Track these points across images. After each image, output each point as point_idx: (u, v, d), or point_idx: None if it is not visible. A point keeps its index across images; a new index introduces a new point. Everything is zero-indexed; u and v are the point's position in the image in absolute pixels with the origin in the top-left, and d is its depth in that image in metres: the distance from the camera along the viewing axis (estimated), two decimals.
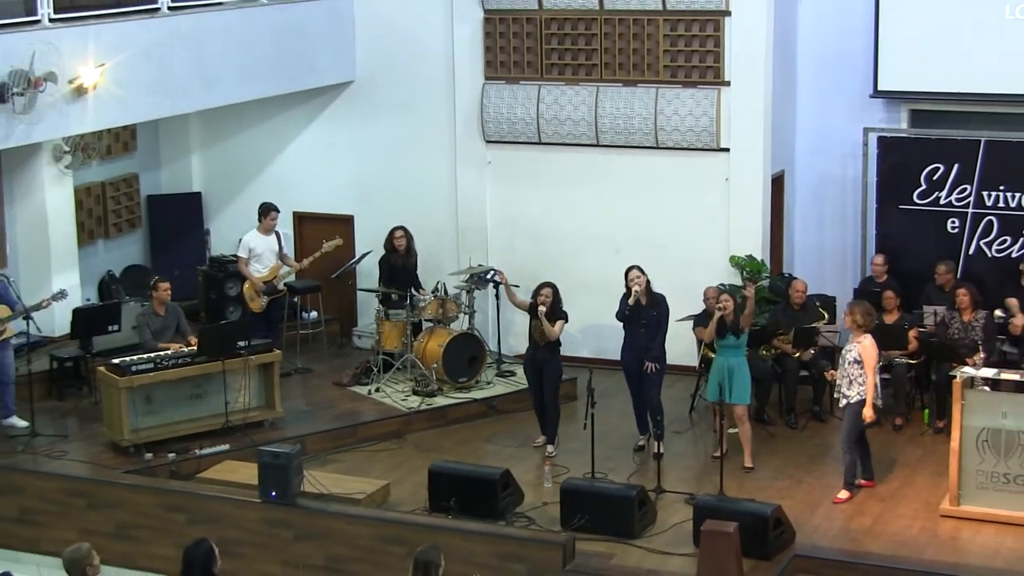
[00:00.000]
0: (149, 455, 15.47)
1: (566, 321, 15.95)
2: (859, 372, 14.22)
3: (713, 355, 16.05)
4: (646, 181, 18.59)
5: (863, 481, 14.72)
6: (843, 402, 14.35)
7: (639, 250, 18.00)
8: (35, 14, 15.59)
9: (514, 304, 16.50)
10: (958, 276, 17.39)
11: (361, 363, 18.41)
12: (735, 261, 18.00)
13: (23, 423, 16.12)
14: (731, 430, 15.40)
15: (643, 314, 15.62)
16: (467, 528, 13.59)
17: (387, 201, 19.72)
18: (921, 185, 17.88)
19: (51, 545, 14.45)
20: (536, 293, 15.85)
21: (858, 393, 14.25)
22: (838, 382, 14.49)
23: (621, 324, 15.84)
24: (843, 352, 14.46)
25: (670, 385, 16.42)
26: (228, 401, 15.99)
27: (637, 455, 15.80)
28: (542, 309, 15.64)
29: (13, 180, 18.50)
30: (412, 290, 18.15)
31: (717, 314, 15.08)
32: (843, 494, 14.52)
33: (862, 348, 14.26)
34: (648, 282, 15.64)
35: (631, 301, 15.52)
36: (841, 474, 14.66)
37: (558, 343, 15.93)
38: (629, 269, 15.65)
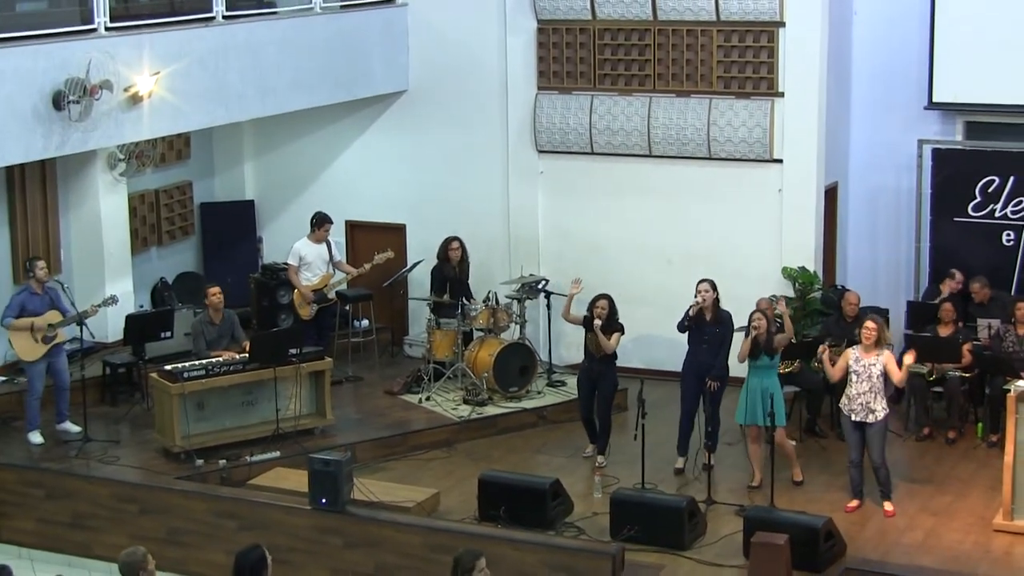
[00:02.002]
0: (200, 461, 15.53)
1: (622, 333, 15.87)
2: (882, 385, 14.15)
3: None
4: (699, 192, 18.56)
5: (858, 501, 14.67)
6: (871, 418, 14.20)
7: (691, 261, 17.99)
8: (91, 23, 15.73)
9: (569, 319, 16.35)
10: (1013, 290, 17.30)
11: (412, 372, 18.44)
12: (788, 273, 17.94)
13: (76, 428, 16.23)
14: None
15: (706, 330, 15.49)
16: (517, 537, 13.58)
17: (439, 211, 19.75)
18: (976, 197, 17.79)
19: (103, 550, 14.55)
20: (592, 305, 15.78)
21: (883, 407, 14.20)
22: (855, 397, 14.25)
23: (685, 337, 15.72)
24: (859, 368, 14.19)
25: (723, 397, 16.35)
26: (279, 408, 16.04)
27: (678, 476, 15.69)
28: (598, 323, 15.57)
29: (68, 187, 18.65)
30: (463, 299, 18.15)
31: (752, 333, 14.96)
32: (888, 507, 14.45)
33: (887, 359, 14.25)
34: (717, 300, 15.52)
35: (692, 312, 15.41)
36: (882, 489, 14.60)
37: (614, 356, 15.86)
38: (700, 281, 15.52)
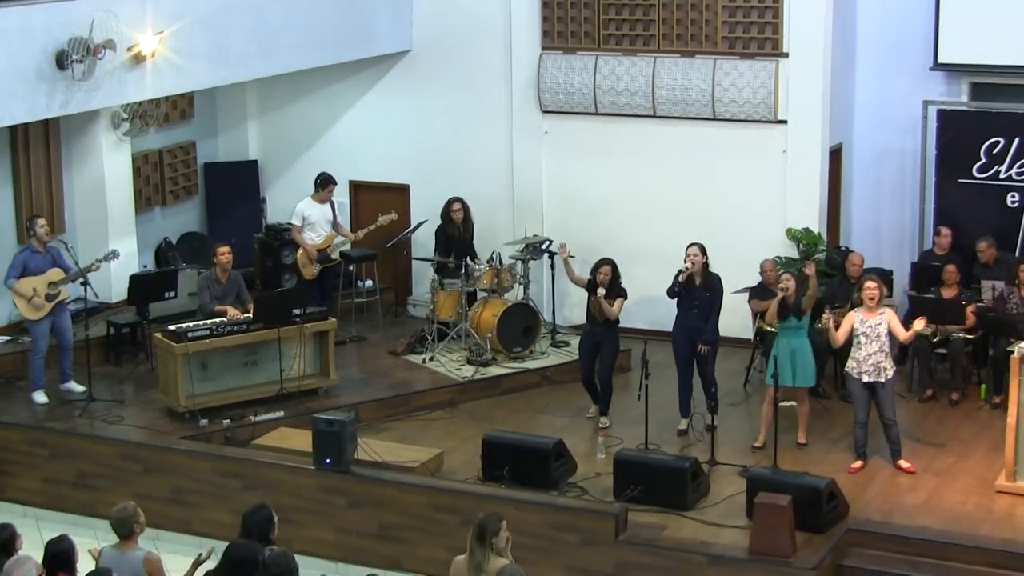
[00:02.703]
0: (204, 421, 15.55)
1: (625, 299, 15.81)
2: (889, 343, 14.19)
3: (769, 328, 15.96)
4: (703, 153, 18.52)
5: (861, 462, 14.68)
6: (883, 376, 14.21)
7: (695, 222, 17.95)
8: None
9: (572, 280, 16.33)
10: (1017, 251, 17.28)
11: (415, 332, 18.44)
12: (792, 234, 17.91)
13: (80, 388, 16.25)
14: (785, 403, 15.33)
15: (696, 295, 15.41)
16: (520, 497, 13.61)
17: (443, 171, 19.71)
18: (981, 159, 17.73)
19: (107, 509, 14.26)
20: (595, 270, 15.74)
21: (892, 366, 14.26)
22: (866, 359, 14.21)
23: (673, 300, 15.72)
24: (866, 329, 14.17)
25: (726, 358, 16.34)
26: (283, 368, 16.04)
27: (681, 437, 15.66)
28: (601, 291, 15.51)
29: (71, 147, 18.62)
30: (467, 260, 18.14)
31: (779, 295, 14.90)
32: (905, 463, 14.49)
33: (891, 316, 14.26)
34: (706, 264, 15.47)
35: (681, 278, 15.33)
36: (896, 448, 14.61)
37: (616, 320, 15.81)
38: (689, 245, 15.42)
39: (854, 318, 14.36)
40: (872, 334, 14.20)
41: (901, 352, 16.14)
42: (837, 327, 14.50)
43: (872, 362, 14.22)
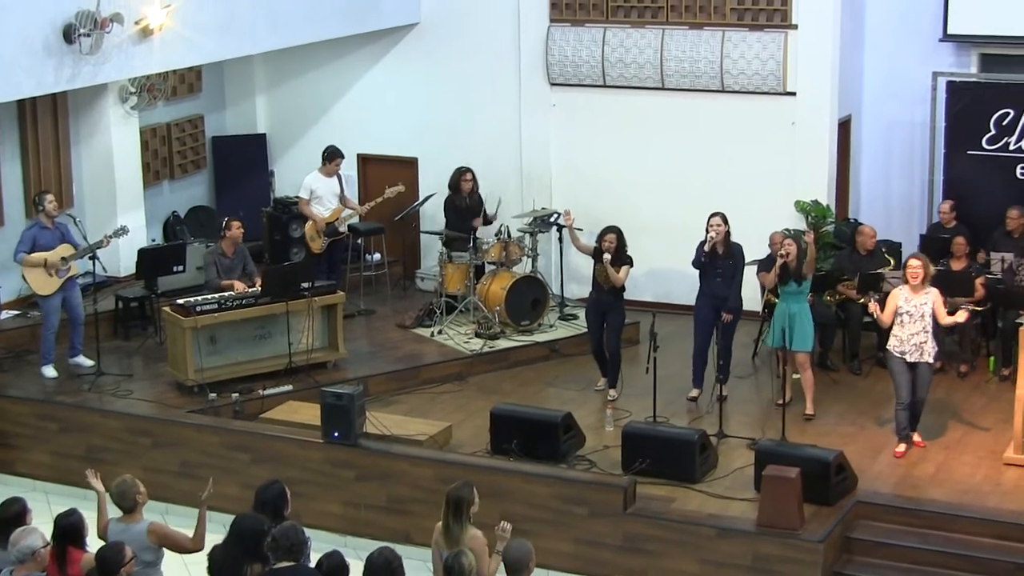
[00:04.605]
0: (213, 395, 15.56)
1: (631, 266, 15.81)
2: (931, 324, 14.02)
3: (775, 299, 15.96)
4: (711, 125, 18.48)
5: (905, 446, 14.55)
6: (925, 356, 14.01)
7: (703, 194, 17.95)
8: None
9: (578, 248, 16.33)
10: None
11: (424, 305, 18.45)
12: (800, 206, 17.88)
13: (89, 362, 16.27)
14: (794, 376, 15.33)
15: (719, 263, 15.41)
16: (528, 470, 13.64)
17: (451, 143, 19.68)
18: (990, 130, 17.69)
19: None
20: (600, 238, 15.74)
21: (934, 346, 14.09)
22: (909, 338, 14.04)
23: (696, 271, 15.64)
24: (910, 308, 13.94)
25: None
26: (292, 342, 16.05)
27: (693, 403, 15.72)
28: (607, 257, 15.52)
29: (79, 121, 18.62)
30: (484, 215, 18.23)
31: (779, 260, 14.92)
32: (916, 437, 14.45)
33: (935, 297, 14.03)
34: (728, 232, 15.42)
35: (707, 248, 15.35)
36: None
37: (622, 288, 15.83)
38: (712, 216, 15.42)
39: (898, 296, 14.12)
40: (916, 314, 13.96)
41: None
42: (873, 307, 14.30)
43: (915, 342, 14.00)
